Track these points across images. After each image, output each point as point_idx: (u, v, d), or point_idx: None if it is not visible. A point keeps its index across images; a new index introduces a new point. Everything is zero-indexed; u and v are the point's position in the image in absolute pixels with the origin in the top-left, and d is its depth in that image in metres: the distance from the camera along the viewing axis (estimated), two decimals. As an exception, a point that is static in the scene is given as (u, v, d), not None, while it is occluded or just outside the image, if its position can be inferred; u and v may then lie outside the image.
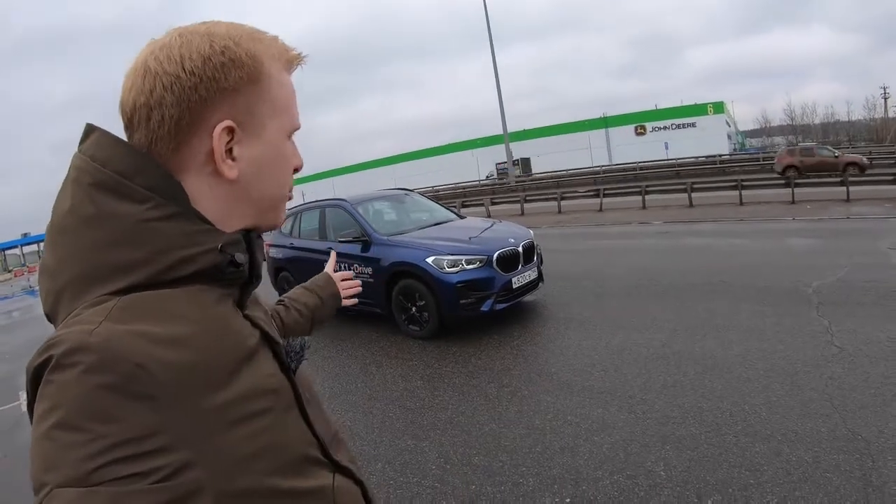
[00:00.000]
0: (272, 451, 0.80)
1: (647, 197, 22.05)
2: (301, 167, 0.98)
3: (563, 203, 24.65)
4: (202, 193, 0.84)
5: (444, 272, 6.96)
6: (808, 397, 4.46)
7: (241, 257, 0.85)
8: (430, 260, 7.09)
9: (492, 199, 29.21)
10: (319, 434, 0.95)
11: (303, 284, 1.73)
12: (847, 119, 76.31)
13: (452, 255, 7.12)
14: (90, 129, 0.84)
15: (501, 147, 45.51)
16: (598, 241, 14.56)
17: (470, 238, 7.62)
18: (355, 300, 1.83)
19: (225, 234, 0.85)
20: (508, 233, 7.96)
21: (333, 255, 1.95)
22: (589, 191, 26.40)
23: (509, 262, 7.31)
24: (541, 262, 8.18)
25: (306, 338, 1.03)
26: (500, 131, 44.23)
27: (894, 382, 4.54)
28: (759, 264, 9.42)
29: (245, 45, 0.84)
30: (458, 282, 6.90)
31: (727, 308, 7.08)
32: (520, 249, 7.48)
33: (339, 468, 0.98)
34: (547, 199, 26.50)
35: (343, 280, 1.81)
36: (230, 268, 0.84)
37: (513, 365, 6.02)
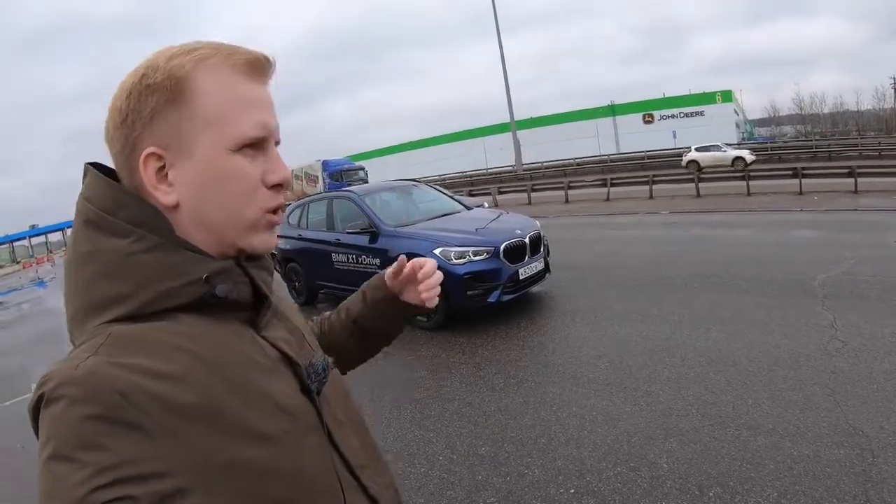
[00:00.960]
0: (283, 477, 0.81)
1: (654, 186, 21.97)
2: (278, 182, 0.89)
3: (570, 192, 24.51)
4: (173, 221, 0.84)
5: (452, 263, 7.00)
6: (811, 392, 4.50)
7: (223, 289, 0.84)
8: (437, 251, 7.13)
9: (499, 188, 29.13)
10: (348, 457, 0.95)
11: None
12: (856, 109, 75.77)
13: (460, 246, 7.17)
14: (85, 170, 0.87)
15: (509, 136, 45.36)
16: (605, 231, 14.58)
17: (477, 229, 7.66)
18: (434, 301, 1.35)
19: (214, 262, 0.84)
20: (515, 224, 8.01)
21: (401, 259, 1.36)
22: (596, 180, 26.33)
23: (516, 253, 7.36)
24: (547, 253, 8.22)
25: (330, 358, 1.00)
26: (508, 119, 44.14)
27: (897, 377, 4.57)
28: (765, 256, 9.42)
29: (165, 66, 0.81)
30: (466, 273, 6.95)
31: (732, 300, 7.11)
32: (526, 241, 7.52)
33: (366, 495, 0.97)
34: (554, 189, 26.42)
35: (417, 273, 1.32)
36: (213, 300, 0.83)
37: (519, 356, 6.08)
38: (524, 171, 43.14)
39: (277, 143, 0.91)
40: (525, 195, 26.04)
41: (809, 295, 6.97)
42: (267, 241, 0.90)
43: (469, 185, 35.12)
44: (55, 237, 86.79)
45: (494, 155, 63.00)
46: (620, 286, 8.51)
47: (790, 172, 19.54)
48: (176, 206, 0.83)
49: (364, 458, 1.00)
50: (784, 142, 53.49)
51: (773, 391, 4.58)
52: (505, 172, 46.07)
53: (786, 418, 4.16)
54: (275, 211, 0.90)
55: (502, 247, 7.21)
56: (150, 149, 0.81)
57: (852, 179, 17.64)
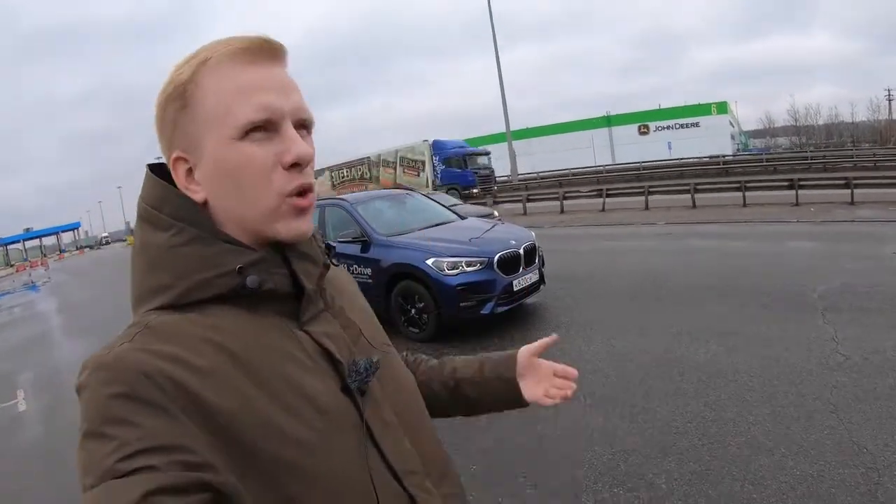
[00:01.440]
0: (310, 474, 0.81)
1: (650, 197, 21.95)
2: (292, 161, 0.86)
3: (565, 203, 24.55)
4: (213, 216, 0.89)
5: (444, 274, 6.88)
6: (814, 408, 4.39)
7: (253, 280, 0.85)
8: (430, 262, 7.00)
9: (494, 198, 29.12)
10: (392, 461, 0.91)
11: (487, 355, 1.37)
12: (851, 120, 76.09)
13: (453, 256, 7.05)
14: (146, 170, 0.93)
15: (504, 146, 45.38)
16: (601, 242, 14.47)
17: (470, 239, 7.54)
18: (557, 401, 1.29)
19: (251, 253, 0.87)
20: (509, 234, 7.90)
21: (553, 337, 1.36)
22: (592, 191, 26.35)
23: (510, 264, 7.24)
24: (542, 264, 8.10)
25: (375, 357, 0.95)
26: (504, 129, 44.17)
27: (901, 393, 4.46)
28: (763, 267, 9.36)
29: (174, 76, 0.86)
30: (459, 284, 6.82)
31: (731, 312, 7.02)
32: (521, 251, 7.40)
33: (412, 502, 0.93)
34: (550, 199, 26.42)
35: (561, 375, 1.31)
36: (247, 291, 0.85)
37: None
38: (519, 181, 43.08)
39: (305, 123, 0.91)
40: (520, 205, 26.03)
41: (809, 307, 6.88)
42: (294, 228, 0.89)
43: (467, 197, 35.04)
44: (49, 241, 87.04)
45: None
46: (616, 298, 8.40)
47: (786, 184, 19.54)
48: (205, 203, 0.88)
49: (414, 464, 0.95)
50: (779, 153, 53.69)
51: (774, 407, 4.46)
52: (500, 182, 46.04)
53: (788, 436, 4.04)
54: (301, 194, 0.88)
55: (496, 258, 7.08)
56: (175, 153, 0.88)
57: (849, 190, 17.60)
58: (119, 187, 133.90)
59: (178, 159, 0.87)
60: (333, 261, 1.05)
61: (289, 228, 0.88)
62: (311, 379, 0.86)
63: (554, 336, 1.36)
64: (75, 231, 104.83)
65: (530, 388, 1.29)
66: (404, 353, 1.36)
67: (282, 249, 0.90)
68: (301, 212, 0.89)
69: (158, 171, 0.92)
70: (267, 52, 0.87)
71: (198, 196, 0.87)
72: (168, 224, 0.86)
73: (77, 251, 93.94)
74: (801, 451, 3.83)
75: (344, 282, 1.12)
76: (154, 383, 0.72)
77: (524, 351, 1.31)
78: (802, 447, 3.88)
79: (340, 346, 0.92)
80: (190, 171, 0.87)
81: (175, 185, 0.89)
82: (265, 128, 0.84)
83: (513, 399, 1.30)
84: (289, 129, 0.86)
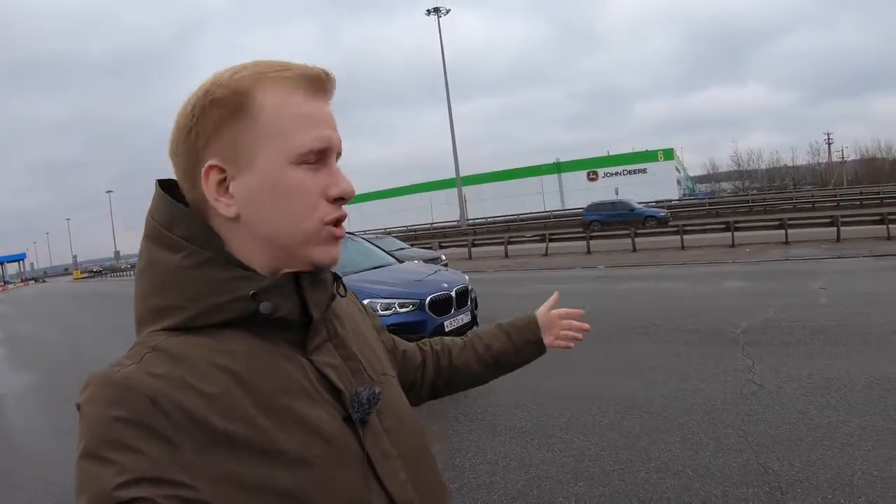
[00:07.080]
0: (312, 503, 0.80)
1: (591, 242, 22.37)
2: (339, 195, 0.88)
3: (510, 247, 24.88)
4: (228, 236, 0.86)
5: (378, 314, 6.89)
6: (723, 434, 4.53)
7: (266, 306, 0.83)
8: (365, 303, 6.98)
9: (440, 242, 29.32)
10: (391, 491, 0.90)
11: (503, 320, 1.50)
12: (792, 164, 78.56)
13: (386, 298, 7.15)
14: (155, 187, 0.90)
15: (455, 191, 45.66)
16: (539, 286, 14.64)
17: (405, 282, 7.67)
18: (570, 344, 1.50)
19: (264, 279, 0.84)
20: (443, 278, 8.01)
21: (556, 294, 1.56)
22: (535, 235, 26.73)
23: (442, 305, 7.34)
24: (475, 306, 8.21)
25: (377, 389, 0.94)
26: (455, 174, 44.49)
27: (810, 417, 4.65)
28: (692, 307, 9.62)
29: (228, 81, 0.84)
30: (391, 324, 6.85)
31: (654, 350, 7.21)
32: (453, 294, 7.51)
33: None
34: (495, 244, 26.69)
35: (565, 317, 1.51)
36: (260, 317, 0.83)
37: (440, 406, 5.92)
38: (468, 226, 43.33)
39: (338, 156, 0.91)
40: (466, 250, 26.24)
41: (730, 342, 7.11)
42: (329, 253, 0.89)
43: (413, 239, 35.08)
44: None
45: (441, 209, 63.35)
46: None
47: (723, 226, 20.11)
48: (236, 218, 0.85)
49: (411, 495, 0.95)
50: (722, 197, 55.11)
51: (685, 435, 4.59)
52: (449, 227, 46.22)
53: (696, 461, 4.16)
54: (336, 223, 0.89)
55: (428, 299, 7.19)
56: (212, 161, 0.83)
57: (783, 231, 18.21)
58: (68, 219, 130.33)
59: (212, 167, 0.83)
60: (340, 291, 1.02)
61: (325, 254, 0.88)
62: (315, 408, 0.85)
63: (555, 294, 1.56)
64: (20, 262, 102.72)
65: (550, 338, 1.47)
66: (428, 342, 1.45)
67: (295, 277, 0.88)
68: (337, 239, 0.89)
69: (165, 186, 0.90)
70: (325, 85, 0.89)
71: (229, 210, 0.84)
72: (179, 245, 0.83)
73: (21, 283, 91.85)
74: (708, 474, 3.95)
75: (347, 311, 1.08)
76: (161, 410, 0.71)
77: (543, 311, 1.49)
78: (709, 470, 4.00)
79: (342, 377, 0.91)
80: (223, 182, 0.84)
81: (183, 203, 0.87)
82: (316, 160, 0.85)
83: (538, 353, 1.47)
84: (335, 164, 0.89)
